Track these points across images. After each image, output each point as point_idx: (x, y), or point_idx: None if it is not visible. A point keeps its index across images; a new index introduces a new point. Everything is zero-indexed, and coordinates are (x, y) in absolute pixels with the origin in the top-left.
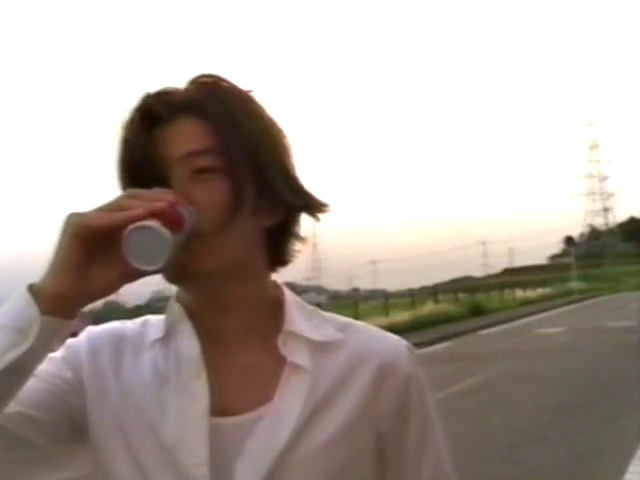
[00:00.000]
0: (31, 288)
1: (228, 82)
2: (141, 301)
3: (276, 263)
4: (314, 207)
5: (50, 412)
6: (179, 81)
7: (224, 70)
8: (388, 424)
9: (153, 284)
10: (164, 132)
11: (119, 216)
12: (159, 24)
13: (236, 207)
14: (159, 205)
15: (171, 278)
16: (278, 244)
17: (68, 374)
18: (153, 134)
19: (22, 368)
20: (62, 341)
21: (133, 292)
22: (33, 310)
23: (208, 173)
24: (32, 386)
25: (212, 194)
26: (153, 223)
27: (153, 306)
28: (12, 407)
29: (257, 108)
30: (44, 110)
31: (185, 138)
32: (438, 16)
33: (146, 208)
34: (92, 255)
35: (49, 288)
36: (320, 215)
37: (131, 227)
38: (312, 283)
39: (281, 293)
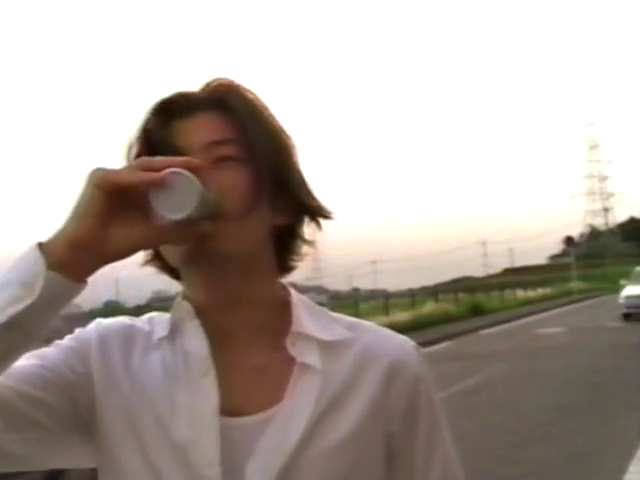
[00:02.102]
0: (40, 245)
1: (243, 85)
2: (141, 301)
3: (284, 266)
4: (322, 212)
5: (57, 397)
6: (181, 84)
7: (222, 74)
8: (398, 424)
9: (153, 284)
10: (185, 124)
11: (145, 175)
12: (156, 29)
13: (256, 196)
14: (184, 159)
15: (188, 258)
16: (286, 247)
17: (76, 365)
18: (174, 126)
19: (24, 326)
20: (65, 306)
21: (133, 292)
22: (40, 264)
23: (229, 161)
24: (40, 369)
25: (234, 180)
26: (184, 170)
27: (153, 306)
28: (22, 386)
29: (271, 110)
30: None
31: (207, 129)
32: (438, 17)
33: (172, 163)
34: (112, 212)
35: (64, 236)
36: (322, 223)
37: (161, 174)
38: (312, 283)
39: (288, 294)
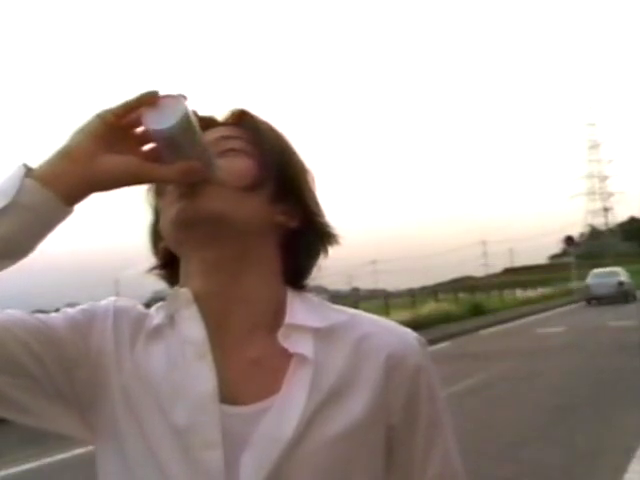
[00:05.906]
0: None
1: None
2: (141, 301)
3: (291, 278)
4: (329, 227)
5: (50, 356)
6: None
7: (219, 84)
8: (398, 416)
9: (153, 284)
10: (207, 133)
11: (139, 95)
12: (154, 30)
13: (254, 177)
14: (179, 92)
15: (179, 215)
16: (294, 258)
17: (76, 338)
18: None
19: None
20: (47, 225)
21: (133, 292)
22: (20, 172)
23: (235, 152)
24: (41, 323)
25: (235, 162)
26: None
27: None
28: (20, 331)
29: (287, 136)
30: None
31: (221, 131)
32: (439, 18)
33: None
34: (107, 141)
35: (54, 151)
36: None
37: (154, 92)
38: (312, 283)
39: (285, 292)
